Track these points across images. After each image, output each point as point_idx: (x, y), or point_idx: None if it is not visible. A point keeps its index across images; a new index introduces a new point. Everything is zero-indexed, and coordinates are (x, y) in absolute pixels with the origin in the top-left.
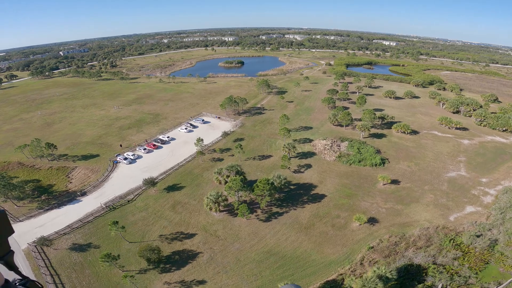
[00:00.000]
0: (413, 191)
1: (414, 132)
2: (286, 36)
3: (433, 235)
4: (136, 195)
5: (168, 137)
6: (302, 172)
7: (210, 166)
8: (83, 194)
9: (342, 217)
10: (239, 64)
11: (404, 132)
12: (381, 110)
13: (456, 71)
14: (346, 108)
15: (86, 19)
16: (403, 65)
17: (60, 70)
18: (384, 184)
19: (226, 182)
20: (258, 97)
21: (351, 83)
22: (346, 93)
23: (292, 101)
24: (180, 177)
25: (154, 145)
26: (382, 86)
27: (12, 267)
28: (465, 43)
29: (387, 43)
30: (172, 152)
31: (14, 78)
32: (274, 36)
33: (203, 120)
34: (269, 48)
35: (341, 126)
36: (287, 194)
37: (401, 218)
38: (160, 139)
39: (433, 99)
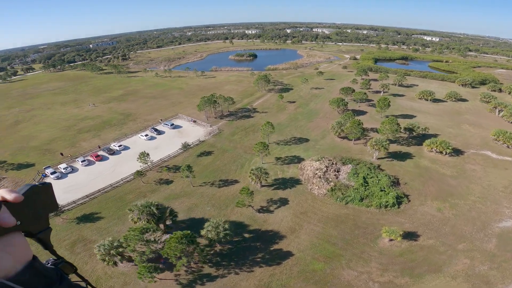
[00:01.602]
0: (437, 252)
1: (456, 152)
2: (313, 30)
3: None
4: None
5: (120, 145)
6: (271, 211)
7: (152, 190)
8: None
9: None
10: (251, 57)
11: (441, 152)
12: (411, 117)
13: None
14: (363, 112)
15: (126, 14)
16: (446, 61)
17: (70, 63)
18: (391, 241)
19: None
20: (254, 96)
21: (375, 80)
22: (365, 93)
23: (294, 102)
24: (104, 203)
25: (97, 156)
26: (417, 85)
27: (47, 245)
28: None
29: (428, 38)
30: (115, 167)
31: (30, 71)
32: (301, 29)
33: (172, 124)
34: (290, 41)
35: (350, 139)
36: (235, 247)
37: None
38: (108, 149)
39: (486, 104)
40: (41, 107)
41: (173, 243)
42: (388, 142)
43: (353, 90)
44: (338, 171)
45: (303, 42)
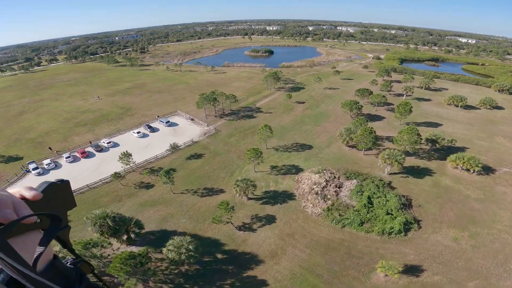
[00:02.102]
0: None
1: (486, 170)
2: (338, 28)
3: None
4: None
5: (109, 142)
6: (253, 230)
7: (129, 194)
8: None
9: None
10: (266, 54)
11: (468, 170)
12: (436, 125)
13: None
14: (379, 118)
15: (155, 8)
16: (482, 64)
17: (92, 55)
18: (387, 276)
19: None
20: (261, 94)
21: (398, 82)
22: (383, 96)
23: (303, 102)
24: (76, 206)
25: (83, 153)
26: (447, 89)
27: (66, 244)
28: None
29: (464, 40)
30: (99, 165)
31: (54, 62)
32: (324, 27)
33: (168, 122)
34: (311, 39)
35: (359, 149)
36: (204, 268)
37: None
38: (96, 145)
39: None
40: (50, 97)
41: (117, 264)
42: (403, 156)
43: (371, 92)
44: (339, 187)
45: (324, 40)
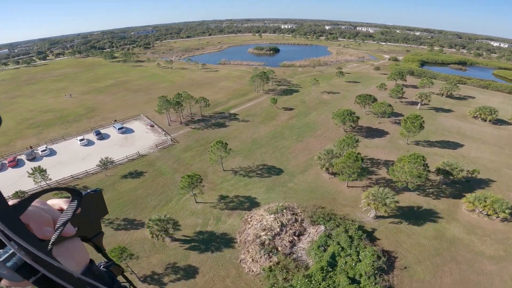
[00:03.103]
0: None
1: None
2: (357, 28)
3: None
4: None
5: (44, 150)
6: (162, 284)
7: None
8: None
9: None
10: (271, 52)
11: (489, 215)
12: (455, 146)
13: None
14: (381, 133)
15: (177, 4)
16: None
17: (101, 50)
18: None
19: None
20: (246, 96)
21: (415, 87)
22: (389, 105)
23: (292, 109)
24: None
25: (11, 161)
26: (474, 97)
27: (100, 249)
28: None
29: (495, 44)
30: (21, 178)
31: (60, 56)
32: (343, 27)
33: (122, 128)
34: (324, 37)
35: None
36: None
37: None
38: (30, 153)
39: None
40: (27, 94)
41: None
42: (395, 198)
43: (375, 99)
44: (299, 235)
45: (339, 39)
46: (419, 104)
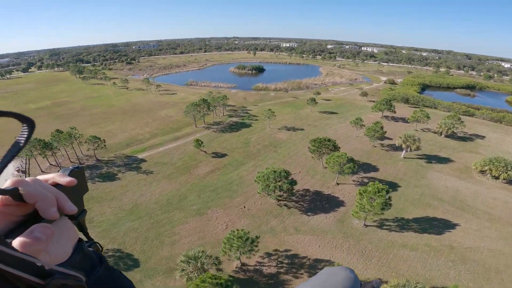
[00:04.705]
0: None
1: None
2: (362, 48)
3: None
4: None
5: None
6: None
7: None
8: None
9: None
10: (253, 71)
11: None
12: (445, 227)
13: None
14: (330, 206)
15: (185, 20)
16: None
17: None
18: None
19: None
20: (182, 131)
21: (405, 122)
22: (351, 161)
23: (224, 155)
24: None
25: None
26: (483, 137)
27: (83, 228)
28: None
29: (507, 65)
30: None
31: (41, 69)
32: (347, 47)
33: None
34: (320, 57)
35: None
36: None
37: None
38: None
39: None
40: None
41: None
42: None
43: (335, 147)
44: None
45: (338, 58)
46: (404, 151)
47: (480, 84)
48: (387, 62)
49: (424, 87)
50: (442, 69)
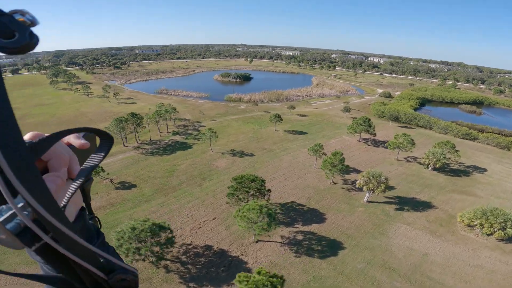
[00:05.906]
0: None
1: None
2: (369, 58)
3: None
4: None
5: None
6: None
7: None
8: None
9: None
10: (238, 80)
11: None
12: None
13: None
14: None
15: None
16: None
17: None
18: None
19: None
20: None
21: (387, 148)
22: (272, 220)
23: (130, 187)
24: None
25: None
26: (485, 170)
27: (87, 197)
28: None
29: None
30: None
31: (33, 71)
32: (353, 57)
33: None
34: (318, 66)
35: None
36: None
37: None
38: None
39: None
40: None
41: None
42: None
43: (261, 189)
44: None
45: (337, 68)
46: (368, 195)
47: (489, 99)
48: (390, 73)
49: (423, 102)
50: (449, 82)
